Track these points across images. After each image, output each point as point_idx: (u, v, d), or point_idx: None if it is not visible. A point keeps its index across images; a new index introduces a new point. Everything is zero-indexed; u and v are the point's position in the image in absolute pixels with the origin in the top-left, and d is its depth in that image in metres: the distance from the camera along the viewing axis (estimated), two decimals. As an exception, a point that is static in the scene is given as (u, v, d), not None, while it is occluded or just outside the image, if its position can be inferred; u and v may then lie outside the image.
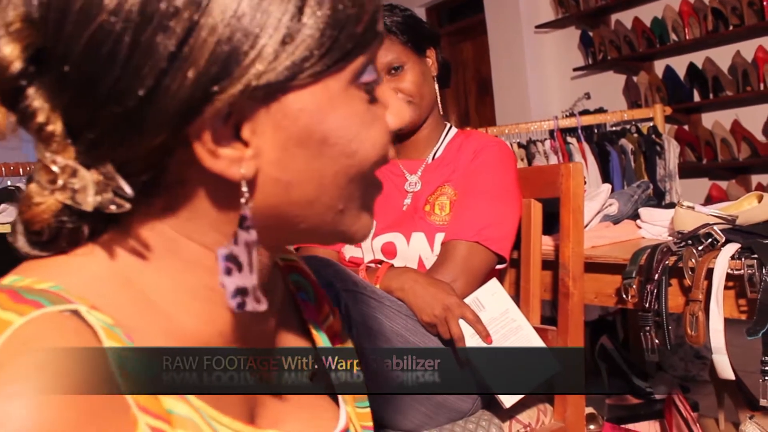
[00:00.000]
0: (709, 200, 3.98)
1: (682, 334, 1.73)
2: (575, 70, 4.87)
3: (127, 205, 0.46)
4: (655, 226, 1.73)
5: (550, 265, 1.65)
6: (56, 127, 0.45)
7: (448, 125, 1.67)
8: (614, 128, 3.46)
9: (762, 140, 3.97)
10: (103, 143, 0.45)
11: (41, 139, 0.45)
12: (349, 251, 1.59)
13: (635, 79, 4.50)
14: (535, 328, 1.53)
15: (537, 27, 5.04)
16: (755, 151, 3.96)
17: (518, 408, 1.46)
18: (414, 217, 1.56)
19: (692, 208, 1.54)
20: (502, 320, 1.37)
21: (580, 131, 3.42)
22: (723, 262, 1.28)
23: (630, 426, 2.18)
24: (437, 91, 1.62)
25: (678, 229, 1.54)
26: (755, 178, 4.06)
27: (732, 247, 1.31)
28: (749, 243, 1.29)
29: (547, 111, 4.87)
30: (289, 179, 0.49)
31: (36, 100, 0.44)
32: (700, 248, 1.35)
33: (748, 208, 1.59)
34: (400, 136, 1.64)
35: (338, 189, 0.50)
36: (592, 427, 2.03)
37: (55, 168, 0.45)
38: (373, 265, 1.47)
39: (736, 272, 1.27)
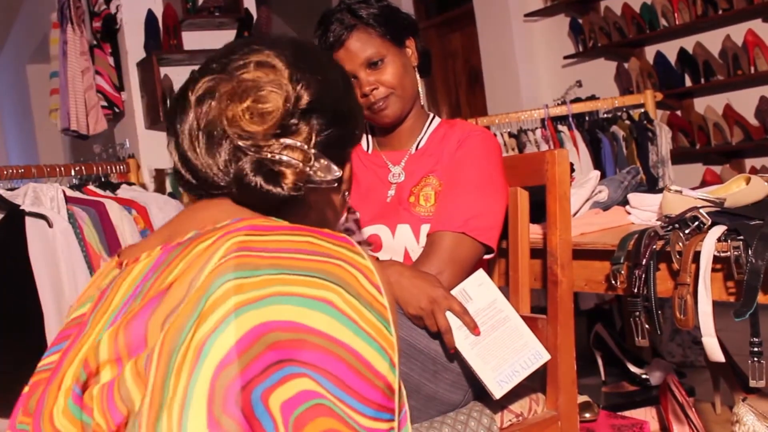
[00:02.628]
0: (703, 185, 3.96)
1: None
2: (566, 58, 4.85)
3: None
4: (645, 211, 1.72)
5: (539, 253, 1.64)
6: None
7: (431, 115, 1.66)
8: (606, 115, 3.45)
9: (754, 124, 3.96)
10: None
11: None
12: None
13: (626, 65, 4.49)
14: (525, 318, 1.52)
15: (526, 15, 5.02)
16: (748, 134, 3.95)
17: (510, 398, 1.45)
18: (398, 209, 1.54)
19: (680, 192, 1.53)
20: (489, 311, 1.36)
21: (571, 119, 3.40)
22: (709, 245, 1.27)
23: (626, 413, 2.17)
24: (419, 80, 1.60)
25: (666, 213, 1.52)
26: (749, 162, 4.05)
27: (718, 230, 1.29)
28: (735, 225, 1.28)
29: (538, 100, 4.86)
30: None
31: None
32: (686, 232, 1.34)
33: (736, 191, 1.58)
34: (384, 129, 1.62)
35: None
36: (587, 415, 2.02)
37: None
38: None
39: (722, 254, 1.26)
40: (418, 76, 1.59)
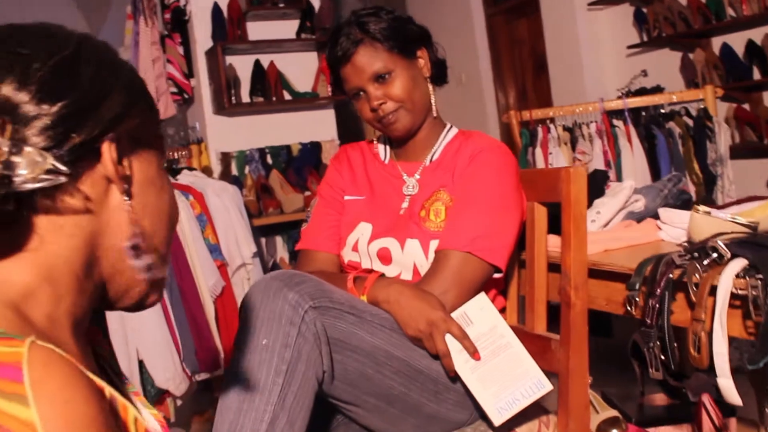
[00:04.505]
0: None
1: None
2: (629, 47, 4.67)
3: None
4: (675, 228, 1.62)
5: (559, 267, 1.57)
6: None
7: (448, 125, 1.61)
8: (665, 110, 3.30)
9: (827, 120, 3.73)
10: None
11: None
12: (348, 255, 1.55)
13: (691, 56, 4.29)
14: (538, 337, 1.47)
15: (590, 4, 4.86)
16: (819, 131, 3.73)
17: (518, 419, 1.41)
18: (409, 223, 1.50)
19: (709, 213, 1.44)
20: (490, 336, 1.31)
21: (627, 114, 3.27)
22: (727, 281, 1.17)
23: (661, 429, 2.08)
24: (431, 91, 1.55)
25: (693, 235, 1.44)
26: (820, 159, 3.83)
27: (737, 264, 1.19)
28: (756, 260, 1.17)
29: (602, 89, 4.70)
30: None
31: None
32: (705, 263, 1.24)
33: (773, 212, 1.47)
34: (398, 141, 1.58)
35: None
36: (614, 431, 1.95)
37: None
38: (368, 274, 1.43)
39: (741, 291, 1.17)
40: (431, 86, 1.54)
